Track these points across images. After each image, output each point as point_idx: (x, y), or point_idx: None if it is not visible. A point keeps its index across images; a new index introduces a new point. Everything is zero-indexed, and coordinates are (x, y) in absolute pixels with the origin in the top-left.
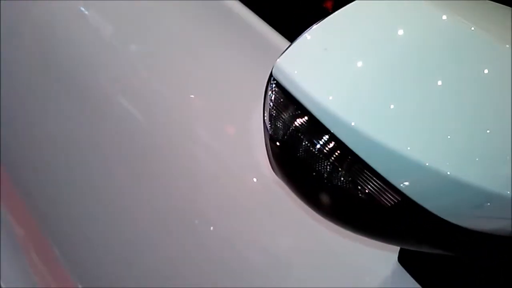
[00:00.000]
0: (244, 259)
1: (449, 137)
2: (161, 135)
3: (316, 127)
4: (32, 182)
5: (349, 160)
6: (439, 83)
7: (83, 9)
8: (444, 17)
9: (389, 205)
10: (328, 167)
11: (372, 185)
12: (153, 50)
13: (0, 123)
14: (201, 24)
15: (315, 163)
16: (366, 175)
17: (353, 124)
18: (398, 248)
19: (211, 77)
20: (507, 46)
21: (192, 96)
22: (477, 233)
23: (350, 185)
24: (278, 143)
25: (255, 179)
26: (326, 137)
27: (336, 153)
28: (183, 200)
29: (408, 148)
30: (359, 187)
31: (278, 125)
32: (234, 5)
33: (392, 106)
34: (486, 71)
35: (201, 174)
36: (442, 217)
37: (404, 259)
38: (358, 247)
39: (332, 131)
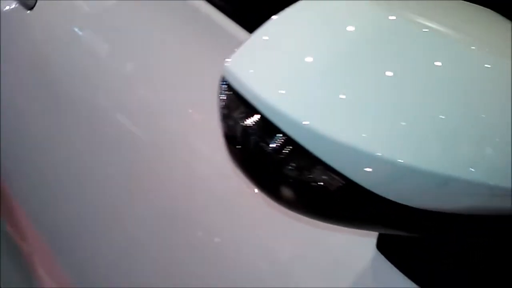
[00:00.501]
0: (235, 259)
1: (403, 123)
2: (159, 148)
3: (266, 125)
4: (34, 197)
5: (301, 155)
6: (388, 74)
7: (76, 29)
8: (393, 17)
9: (345, 196)
10: (281, 163)
11: (327, 178)
12: (147, 65)
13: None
14: (194, 39)
15: (268, 159)
16: (319, 170)
17: (303, 122)
18: (376, 236)
19: (206, 87)
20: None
21: (190, 110)
22: (441, 214)
23: (304, 179)
24: (232, 141)
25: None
26: (276, 135)
27: (288, 149)
28: (183, 211)
29: (359, 140)
30: (313, 181)
31: (231, 124)
32: (226, 22)
33: (340, 101)
34: (437, 63)
35: (200, 184)
36: (400, 202)
37: (382, 246)
38: (336, 236)
39: (283, 130)
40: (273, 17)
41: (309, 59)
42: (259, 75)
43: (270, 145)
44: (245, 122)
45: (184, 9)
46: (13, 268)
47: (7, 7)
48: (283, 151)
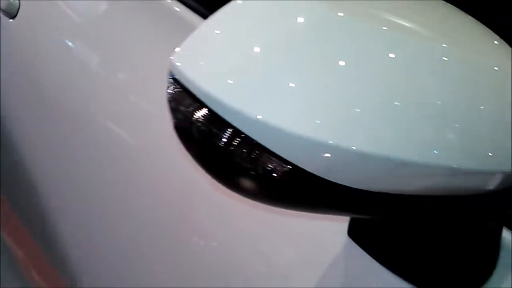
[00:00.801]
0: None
1: (357, 110)
2: (152, 156)
3: (214, 119)
4: (29, 205)
5: (252, 147)
6: (341, 63)
7: (68, 42)
8: (341, 14)
9: (299, 184)
10: (232, 155)
11: (280, 169)
12: (137, 71)
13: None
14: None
15: (218, 151)
16: (272, 161)
17: (257, 116)
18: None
19: None
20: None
21: None
22: (397, 196)
23: (256, 170)
24: (182, 134)
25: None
26: (225, 128)
27: (238, 142)
28: (179, 217)
29: (310, 130)
30: (266, 172)
31: (180, 117)
32: None
33: (291, 91)
34: (391, 53)
35: (195, 191)
36: (355, 187)
37: (353, 233)
38: (308, 223)
39: (232, 124)
40: (220, 9)
41: (256, 49)
42: (204, 68)
43: (219, 138)
44: (193, 116)
45: (172, 17)
46: (11, 276)
47: None
48: (233, 143)
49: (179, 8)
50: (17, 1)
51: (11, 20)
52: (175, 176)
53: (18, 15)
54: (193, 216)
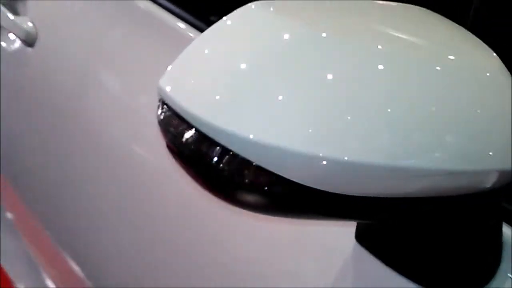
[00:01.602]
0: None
1: (349, 118)
2: (162, 168)
3: (205, 140)
4: (43, 207)
5: (243, 163)
6: (329, 76)
7: (87, 68)
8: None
9: (294, 197)
10: (223, 172)
11: (273, 183)
12: (149, 88)
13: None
14: None
15: (210, 168)
16: (265, 176)
17: (250, 136)
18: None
19: None
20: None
21: None
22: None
23: (249, 184)
24: (173, 152)
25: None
26: (216, 147)
27: (228, 158)
28: (190, 227)
29: (301, 144)
30: (261, 186)
31: (170, 137)
32: None
33: (280, 107)
34: (380, 63)
35: (205, 203)
36: (349, 194)
37: (361, 237)
38: (315, 228)
39: (224, 144)
40: (208, 29)
41: (243, 68)
42: (192, 91)
43: (211, 158)
44: (183, 137)
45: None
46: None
47: (9, 44)
48: (224, 161)
49: (193, 33)
50: (34, 30)
51: (29, 48)
52: (187, 187)
53: (36, 43)
54: (203, 224)
